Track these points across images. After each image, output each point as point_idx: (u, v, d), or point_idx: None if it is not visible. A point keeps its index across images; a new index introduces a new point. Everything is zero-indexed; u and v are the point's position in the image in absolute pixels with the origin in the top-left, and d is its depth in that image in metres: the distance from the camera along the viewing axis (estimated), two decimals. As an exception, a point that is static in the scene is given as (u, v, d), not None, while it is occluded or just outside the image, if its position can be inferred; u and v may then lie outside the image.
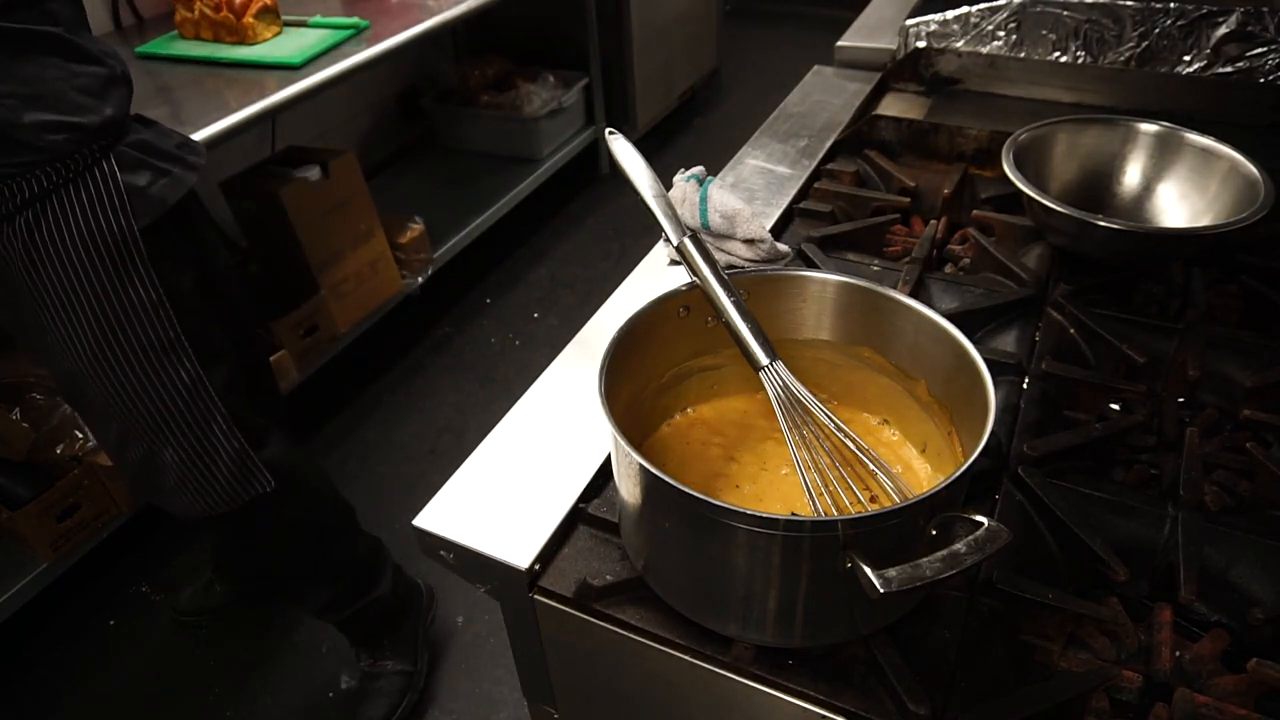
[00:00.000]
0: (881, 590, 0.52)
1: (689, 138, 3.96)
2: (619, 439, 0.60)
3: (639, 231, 3.26)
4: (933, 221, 1.13)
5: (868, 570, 0.53)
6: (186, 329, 1.26)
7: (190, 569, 2.10)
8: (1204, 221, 1.03)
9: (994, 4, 1.38)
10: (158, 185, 1.23)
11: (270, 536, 1.52)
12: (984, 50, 1.42)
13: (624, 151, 0.79)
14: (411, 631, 1.83)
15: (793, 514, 0.71)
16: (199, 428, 1.31)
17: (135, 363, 1.23)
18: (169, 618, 2.00)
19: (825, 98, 1.48)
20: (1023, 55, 1.40)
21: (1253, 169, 0.98)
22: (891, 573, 0.52)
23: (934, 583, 0.52)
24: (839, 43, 1.62)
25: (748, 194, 1.22)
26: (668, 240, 0.75)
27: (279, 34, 2.15)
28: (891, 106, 1.45)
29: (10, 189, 1.10)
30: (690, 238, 0.73)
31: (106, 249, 1.17)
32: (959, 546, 0.53)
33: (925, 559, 0.53)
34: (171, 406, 1.27)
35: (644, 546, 0.68)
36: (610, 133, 0.81)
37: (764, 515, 0.55)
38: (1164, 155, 1.08)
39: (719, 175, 1.26)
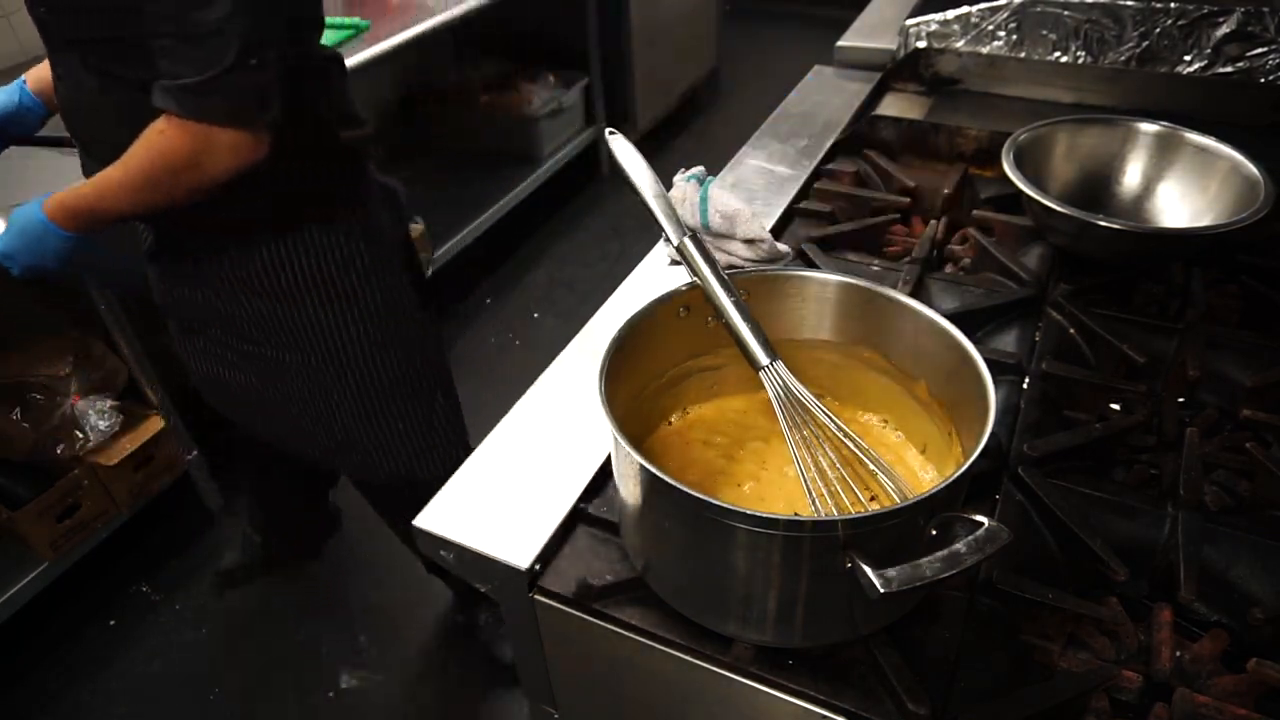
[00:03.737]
0: (882, 590, 0.52)
1: (689, 138, 3.96)
2: (619, 439, 0.60)
3: (639, 231, 3.25)
4: (933, 221, 1.13)
5: (868, 570, 0.53)
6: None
7: (190, 569, 2.10)
8: (1204, 221, 1.03)
9: (994, 4, 1.38)
10: (400, 188, 1.37)
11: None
12: (984, 50, 1.42)
13: (624, 151, 0.79)
14: None
15: (794, 514, 0.71)
16: (423, 404, 1.46)
17: (394, 351, 1.37)
18: (168, 618, 2.00)
19: (825, 98, 1.48)
20: (1023, 55, 1.40)
21: (1253, 169, 0.98)
22: (891, 573, 0.52)
23: (934, 583, 0.52)
24: (839, 43, 1.62)
25: (748, 194, 1.22)
26: (668, 240, 0.75)
27: (279, 34, 2.15)
28: (891, 106, 1.46)
29: (311, 195, 1.20)
30: (690, 238, 0.73)
31: (381, 249, 1.30)
32: (959, 546, 0.53)
33: (925, 559, 0.53)
34: (407, 385, 1.42)
35: (644, 546, 0.68)
36: (610, 133, 0.81)
37: (764, 515, 0.55)
38: (1164, 155, 1.08)
39: (719, 175, 1.26)
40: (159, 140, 1.01)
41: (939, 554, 0.53)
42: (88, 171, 1.15)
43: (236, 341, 1.32)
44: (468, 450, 1.58)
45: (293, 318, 1.28)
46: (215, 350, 1.35)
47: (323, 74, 1.19)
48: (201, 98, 0.98)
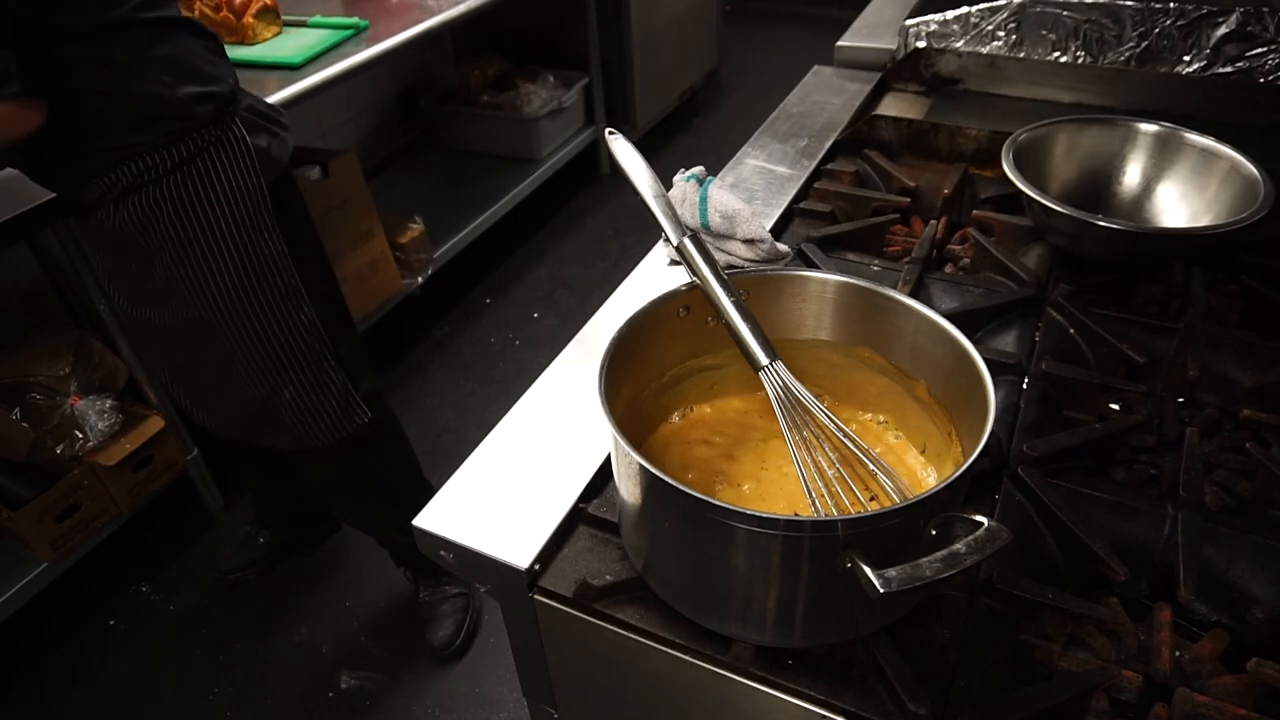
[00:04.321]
0: (881, 590, 0.52)
1: (689, 138, 3.96)
2: (619, 439, 0.60)
3: (639, 231, 3.26)
4: (933, 221, 1.13)
5: (868, 570, 0.53)
6: (303, 276, 1.39)
7: (190, 569, 2.10)
8: (1204, 221, 1.03)
9: (994, 4, 1.38)
10: (274, 146, 1.37)
11: (361, 466, 1.67)
12: (984, 50, 1.42)
13: (624, 151, 0.79)
14: None
15: (795, 514, 0.71)
16: (313, 365, 1.45)
17: (265, 308, 1.36)
18: (168, 618, 2.00)
19: (825, 98, 1.48)
20: (1023, 55, 1.40)
21: (1253, 169, 0.98)
22: (891, 573, 0.52)
23: (934, 583, 0.52)
24: (839, 43, 1.62)
25: (748, 194, 1.22)
26: (668, 240, 0.75)
27: (279, 34, 2.15)
28: (891, 106, 1.45)
29: (163, 155, 1.23)
30: (690, 238, 0.73)
31: (243, 205, 1.30)
32: (959, 546, 0.53)
33: (925, 559, 0.53)
34: (292, 346, 1.42)
35: (644, 546, 0.68)
36: (610, 133, 0.81)
37: (764, 515, 0.55)
38: (1164, 155, 1.08)
39: (719, 175, 1.26)
40: None
41: (939, 554, 0.53)
42: None
43: (134, 305, 1.37)
44: (382, 423, 1.60)
45: (165, 271, 1.31)
46: (130, 311, 1.40)
47: (154, 36, 1.20)
48: None
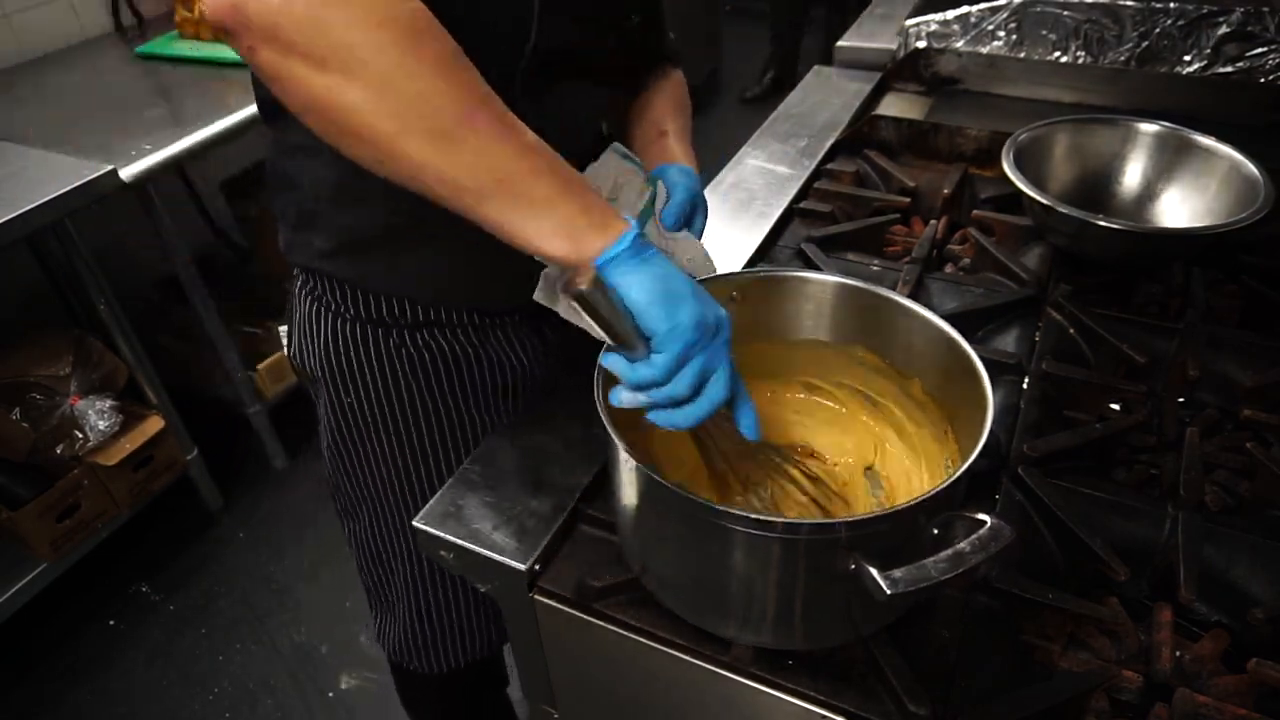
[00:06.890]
0: (889, 591, 0.51)
1: (689, 137, 3.96)
2: (617, 442, 0.60)
3: (639, 231, 3.25)
4: (933, 221, 1.13)
5: (874, 572, 0.52)
6: None
7: (190, 569, 2.10)
8: (1204, 221, 1.03)
9: (994, 4, 1.38)
10: None
11: None
12: (984, 50, 1.42)
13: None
14: None
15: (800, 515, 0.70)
16: None
17: None
18: (168, 618, 2.00)
19: (825, 98, 1.48)
20: (1023, 55, 1.40)
21: (1253, 169, 0.98)
22: (898, 574, 0.52)
23: (940, 583, 0.52)
24: (839, 43, 1.61)
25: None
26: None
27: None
28: (891, 106, 1.45)
29: None
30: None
31: None
32: (963, 546, 0.53)
33: (930, 559, 0.53)
34: None
35: (641, 550, 0.68)
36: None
37: (762, 518, 0.55)
38: (1164, 155, 1.08)
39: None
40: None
41: (943, 554, 0.53)
42: None
43: None
44: None
45: None
46: None
47: None
48: None
